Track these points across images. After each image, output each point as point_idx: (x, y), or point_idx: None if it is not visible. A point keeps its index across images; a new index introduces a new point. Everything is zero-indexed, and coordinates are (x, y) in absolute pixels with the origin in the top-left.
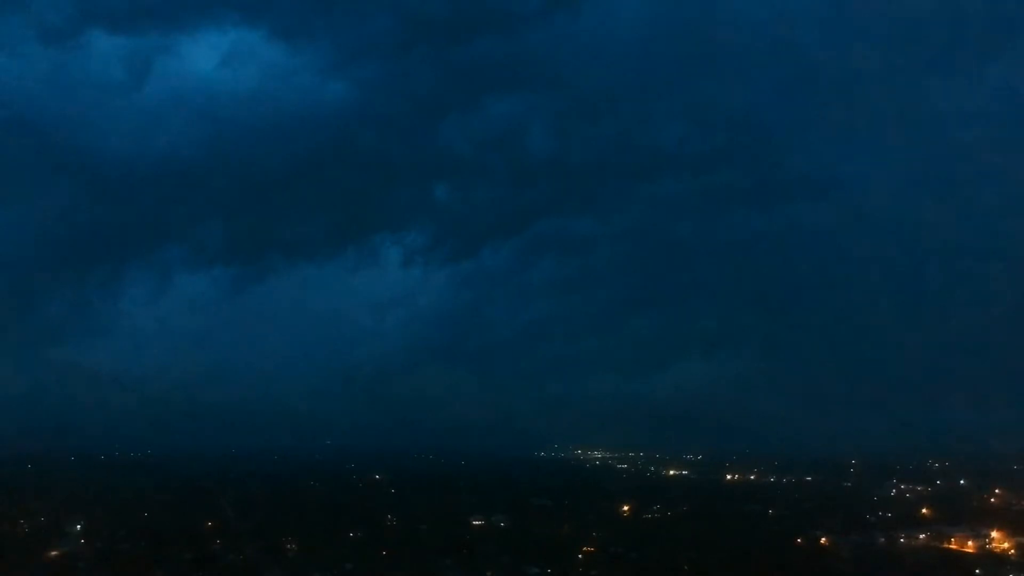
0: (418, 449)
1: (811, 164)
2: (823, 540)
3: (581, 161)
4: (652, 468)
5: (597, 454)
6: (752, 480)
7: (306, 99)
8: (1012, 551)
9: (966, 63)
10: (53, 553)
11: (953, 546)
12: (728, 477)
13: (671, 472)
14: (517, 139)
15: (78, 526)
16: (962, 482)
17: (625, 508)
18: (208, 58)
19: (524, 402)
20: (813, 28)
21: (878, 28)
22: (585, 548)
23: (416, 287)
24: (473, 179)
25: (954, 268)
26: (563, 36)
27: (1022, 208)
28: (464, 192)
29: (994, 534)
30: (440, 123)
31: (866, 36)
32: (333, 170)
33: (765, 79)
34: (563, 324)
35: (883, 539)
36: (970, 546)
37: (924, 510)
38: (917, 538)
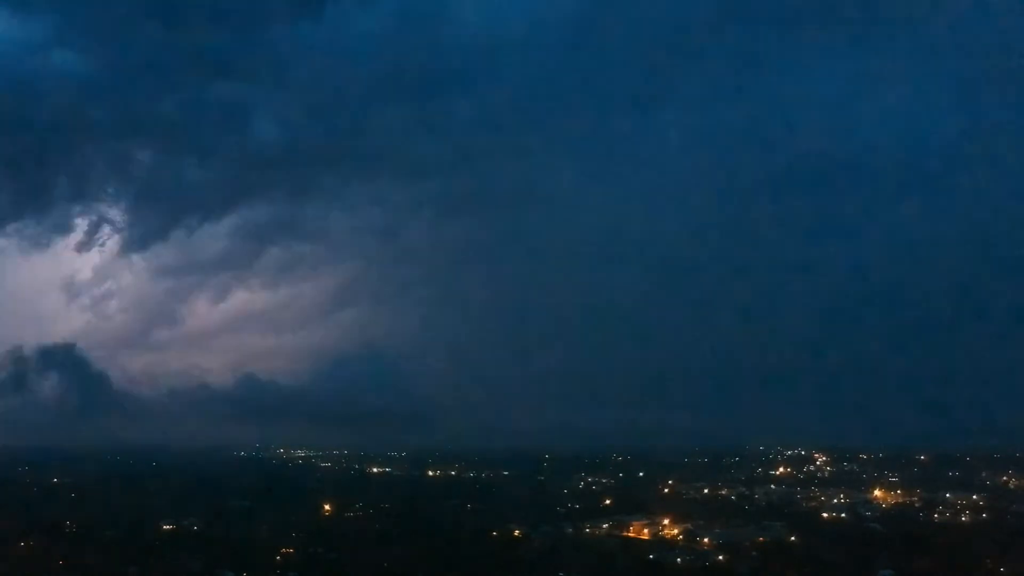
0: (103, 450)
1: (529, 176)
2: (516, 532)
3: (304, 153)
4: (356, 466)
5: (300, 452)
6: (453, 476)
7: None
8: (680, 536)
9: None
10: None
11: (631, 533)
12: (431, 473)
13: (375, 469)
14: (242, 126)
15: None
16: (641, 474)
17: (327, 507)
18: None
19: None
20: (543, 49)
21: (607, 55)
22: (284, 549)
23: (111, 267)
24: (187, 157)
25: (638, 274)
26: (303, 38)
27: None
28: (175, 168)
29: (665, 521)
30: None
31: (595, 63)
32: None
33: (494, 95)
34: (269, 316)
35: (570, 529)
36: (645, 533)
37: (607, 501)
38: (600, 527)
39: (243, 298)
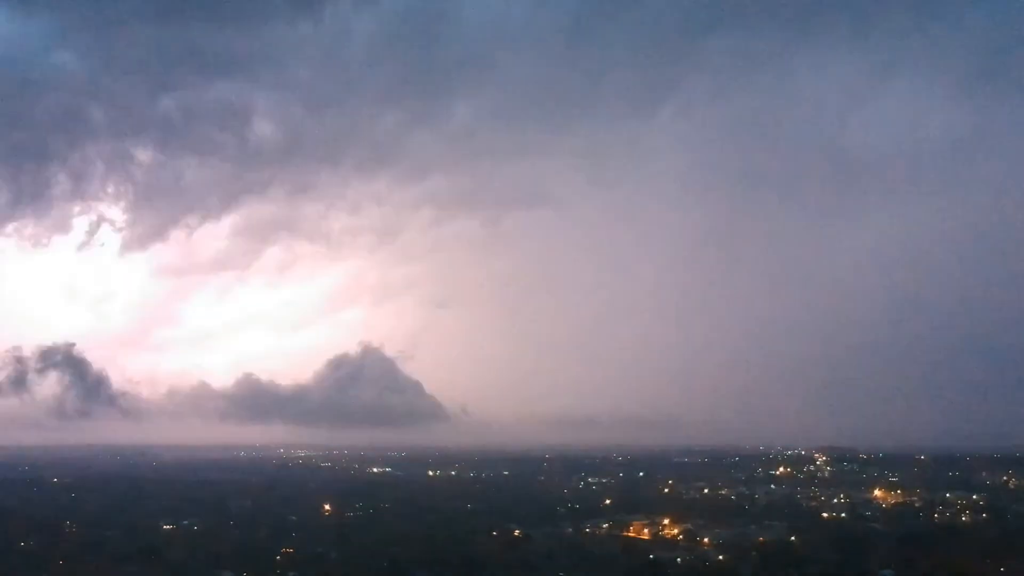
0: (103, 450)
1: (527, 178)
2: (516, 532)
3: (303, 151)
4: (356, 466)
5: (300, 452)
6: (454, 476)
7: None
8: (680, 536)
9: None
10: None
11: (631, 533)
12: (430, 473)
13: (375, 469)
14: (242, 125)
15: None
16: (641, 474)
17: (327, 507)
18: None
19: None
20: (535, 49)
21: (601, 59)
22: (284, 549)
23: (111, 267)
24: (187, 156)
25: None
26: (303, 38)
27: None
28: (175, 167)
29: (665, 521)
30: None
31: (587, 64)
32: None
33: (488, 95)
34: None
35: (570, 529)
36: (645, 533)
37: (607, 500)
38: (600, 527)
39: (243, 298)
